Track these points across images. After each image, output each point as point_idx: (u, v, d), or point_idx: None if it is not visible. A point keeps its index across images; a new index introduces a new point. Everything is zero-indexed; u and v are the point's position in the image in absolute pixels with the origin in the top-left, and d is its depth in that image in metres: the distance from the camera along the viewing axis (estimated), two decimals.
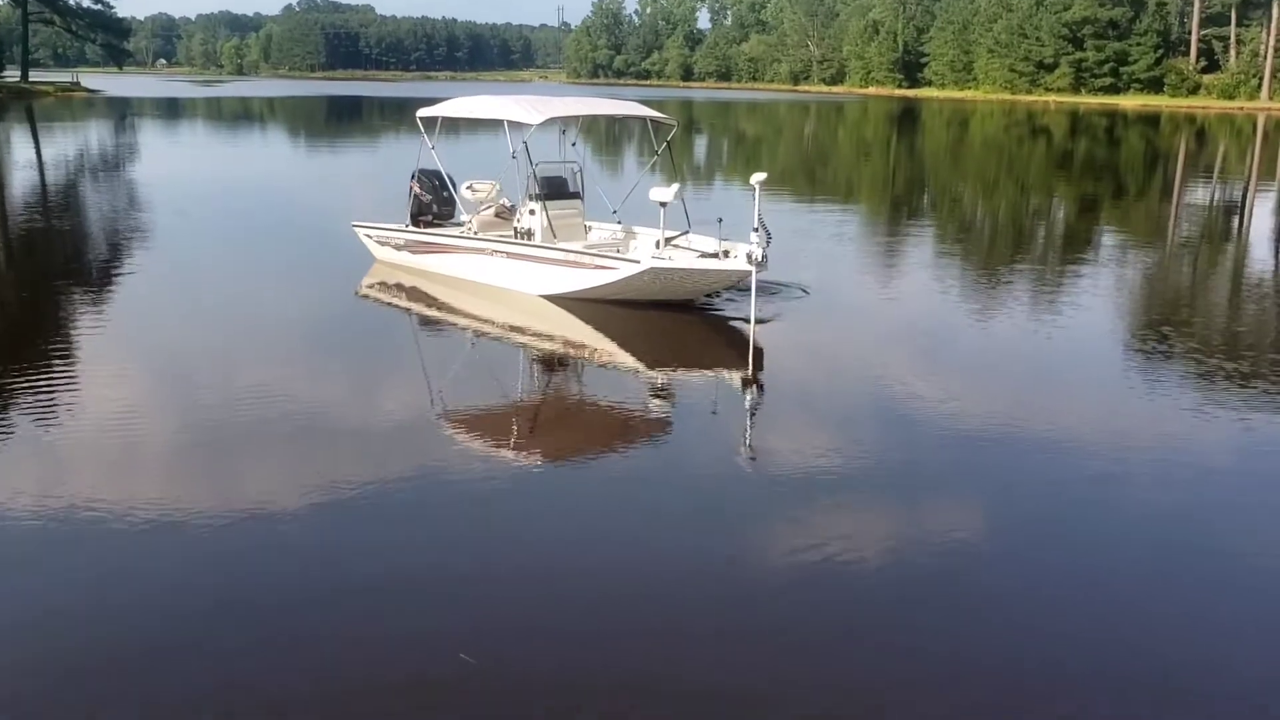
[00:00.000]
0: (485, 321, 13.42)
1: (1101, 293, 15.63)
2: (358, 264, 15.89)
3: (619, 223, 15.27)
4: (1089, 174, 37.08)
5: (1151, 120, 69.66)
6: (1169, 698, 5.39)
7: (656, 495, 7.88)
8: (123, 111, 66.47)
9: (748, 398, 10.41)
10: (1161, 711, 5.28)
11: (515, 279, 13.97)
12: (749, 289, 11.91)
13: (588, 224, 15.19)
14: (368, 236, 16.31)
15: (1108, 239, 22.37)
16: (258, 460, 8.34)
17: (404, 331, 13.53)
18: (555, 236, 13.93)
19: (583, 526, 7.26)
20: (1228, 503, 7.97)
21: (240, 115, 71.07)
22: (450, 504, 7.57)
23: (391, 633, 5.73)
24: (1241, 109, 79.63)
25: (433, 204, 15.75)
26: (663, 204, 13.41)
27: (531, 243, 14.04)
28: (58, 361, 10.90)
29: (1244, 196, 31.10)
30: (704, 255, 13.14)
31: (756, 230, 11.89)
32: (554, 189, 14.62)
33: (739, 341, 12.04)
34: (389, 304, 14.42)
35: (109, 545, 6.66)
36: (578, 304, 13.32)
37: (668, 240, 13.64)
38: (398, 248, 15.69)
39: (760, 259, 11.87)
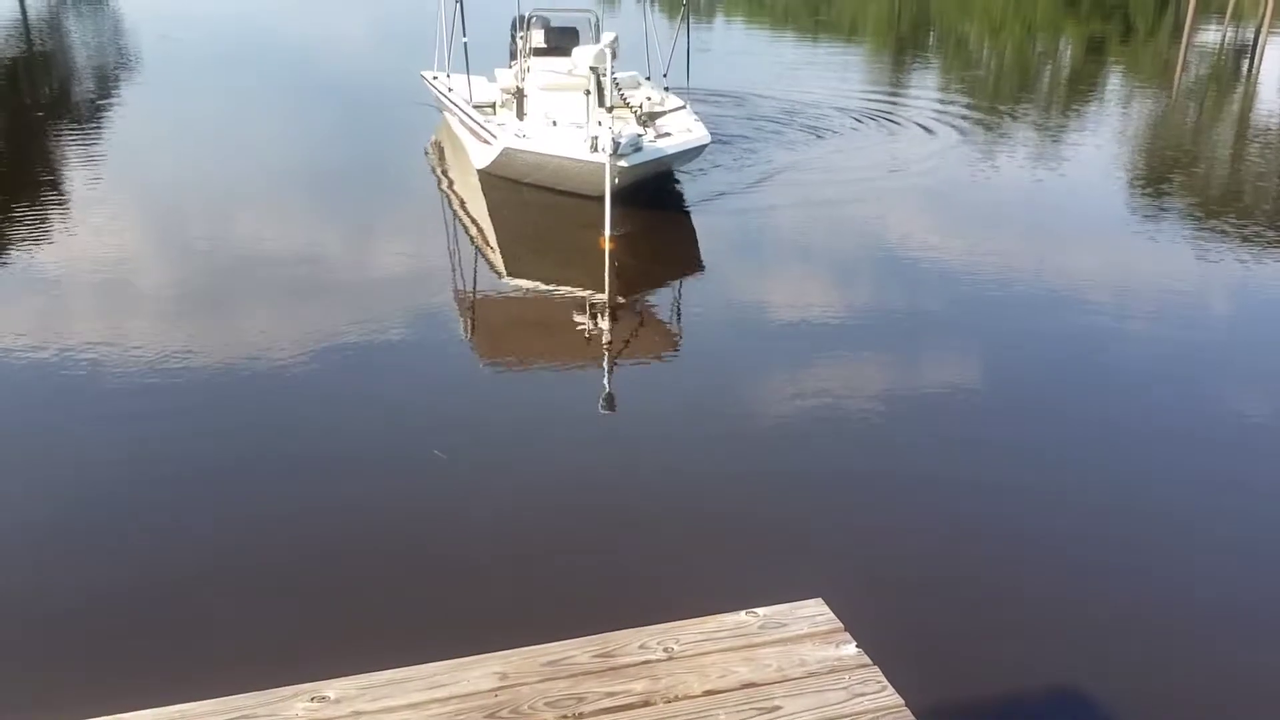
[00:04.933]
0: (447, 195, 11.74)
1: (1103, 140, 15.51)
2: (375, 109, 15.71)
3: (666, 89, 12.72)
4: (1097, 12, 36.18)
5: None
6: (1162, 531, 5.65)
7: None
8: None
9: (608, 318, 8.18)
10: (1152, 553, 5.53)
11: (471, 149, 11.97)
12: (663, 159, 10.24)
13: (623, 92, 11.82)
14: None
15: (1113, 82, 22.02)
16: (249, 302, 8.45)
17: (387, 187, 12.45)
18: (544, 107, 11.24)
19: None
20: (1228, 343, 8.18)
21: None
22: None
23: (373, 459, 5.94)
24: None
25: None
26: (594, 70, 10.71)
27: (463, 106, 11.89)
28: (57, 193, 10.89)
29: (1255, 40, 30.42)
30: (662, 136, 10.76)
31: (610, 110, 9.83)
32: (556, 43, 12.50)
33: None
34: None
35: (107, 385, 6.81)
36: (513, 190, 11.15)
37: (651, 117, 11.42)
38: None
39: (618, 148, 9.25)
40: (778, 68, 20.48)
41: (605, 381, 6.95)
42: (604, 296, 8.42)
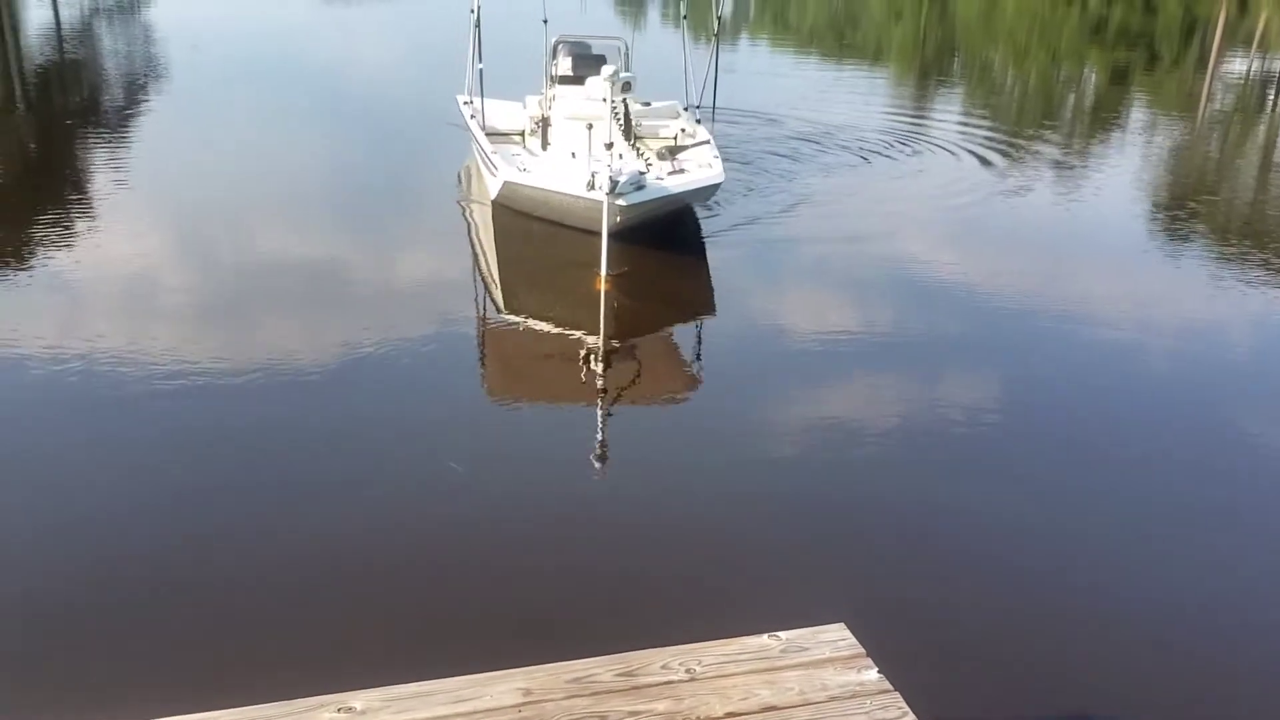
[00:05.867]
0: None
1: (1126, 166, 15.49)
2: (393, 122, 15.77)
3: (699, 121, 12.08)
4: (1123, 42, 36.14)
5: None
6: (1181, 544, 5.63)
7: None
8: None
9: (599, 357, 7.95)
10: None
11: (485, 178, 11.31)
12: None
13: (639, 124, 11.72)
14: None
15: (1137, 111, 21.99)
16: (270, 308, 8.54)
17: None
18: (569, 137, 10.52)
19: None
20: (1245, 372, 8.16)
21: None
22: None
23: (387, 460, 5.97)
24: None
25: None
26: (607, 100, 10.08)
27: (478, 134, 11.42)
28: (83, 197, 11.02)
29: None
30: (674, 173, 10.25)
31: (609, 146, 9.26)
32: (583, 71, 11.88)
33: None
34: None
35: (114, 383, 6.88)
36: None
37: (671, 151, 11.00)
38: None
39: (615, 186, 8.86)
40: (803, 89, 20.53)
41: (599, 426, 6.74)
42: (597, 339, 8.12)
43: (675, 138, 11.70)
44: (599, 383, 7.43)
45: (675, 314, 9.01)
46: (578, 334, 8.22)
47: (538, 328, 8.39)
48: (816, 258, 10.78)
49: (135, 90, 18.74)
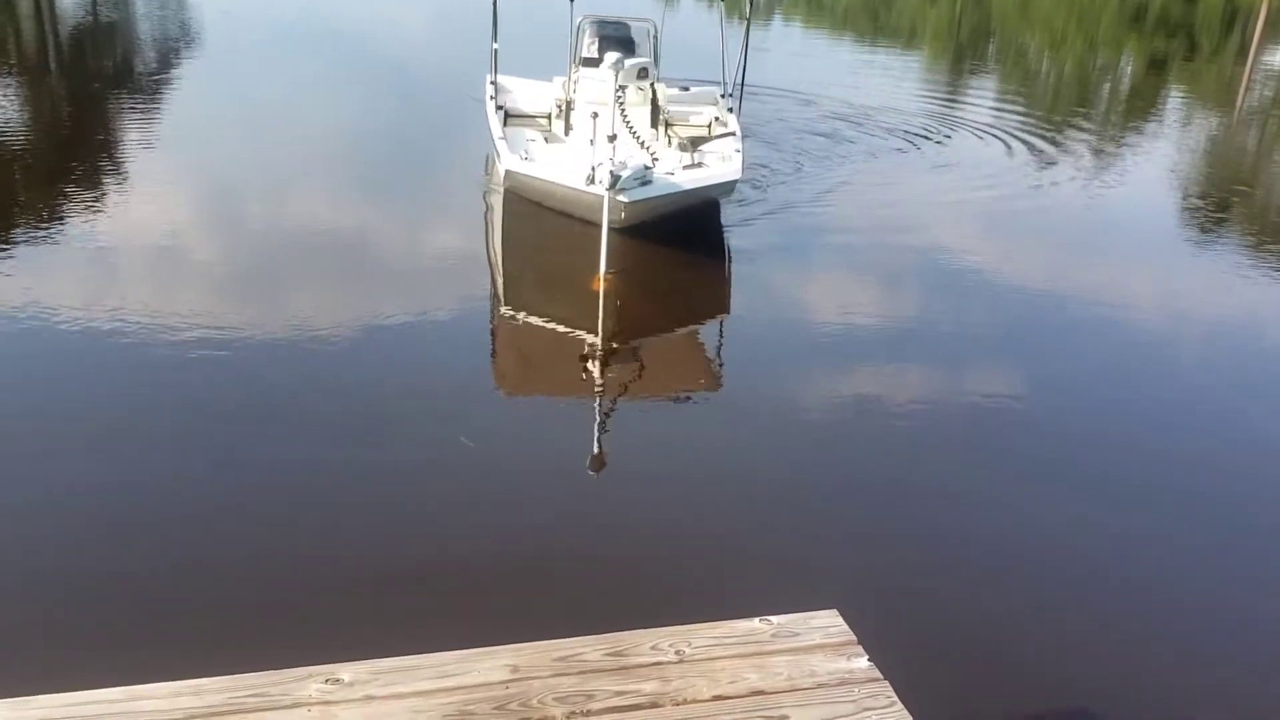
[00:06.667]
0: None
1: (1161, 157, 15.32)
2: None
3: (731, 110, 11.38)
4: (1162, 30, 35.66)
5: None
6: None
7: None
8: None
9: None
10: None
11: (495, 162, 10.78)
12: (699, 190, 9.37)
13: (667, 108, 11.35)
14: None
15: (1174, 101, 21.72)
16: (293, 278, 8.56)
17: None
18: (593, 119, 9.53)
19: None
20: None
21: None
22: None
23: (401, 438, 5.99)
24: None
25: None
26: (620, 89, 9.34)
27: (489, 117, 10.95)
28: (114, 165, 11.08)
29: None
30: (691, 167, 9.77)
31: (612, 139, 8.48)
32: (609, 51, 10.81)
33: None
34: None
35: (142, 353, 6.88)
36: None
37: (694, 143, 10.50)
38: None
39: (616, 181, 8.28)
40: (835, 71, 20.40)
41: (597, 417, 6.55)
42: (596, 339, 7.73)
43: (709, 126, 11.31)
44: (596, 378, 7.22)
45: (683, 310, 8.65)
46: (579, 333, 7.87)
47: (537, 323, 8.10)
48: (842, 248, 10.48)
49: (166, 54, 18.86)
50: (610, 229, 8.37)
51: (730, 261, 9.81)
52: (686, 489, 5.79)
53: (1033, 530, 5.62)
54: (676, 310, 8.62)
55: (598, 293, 8.22)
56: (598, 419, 6.56)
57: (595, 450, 6.11)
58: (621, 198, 8.45)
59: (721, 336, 8.34)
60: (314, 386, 6.61)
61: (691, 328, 8.39)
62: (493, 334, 7.91)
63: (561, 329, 7.97)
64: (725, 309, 8.87)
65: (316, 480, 5.61)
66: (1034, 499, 5.89)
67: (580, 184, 8.78)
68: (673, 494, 5.73)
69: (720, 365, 7.75)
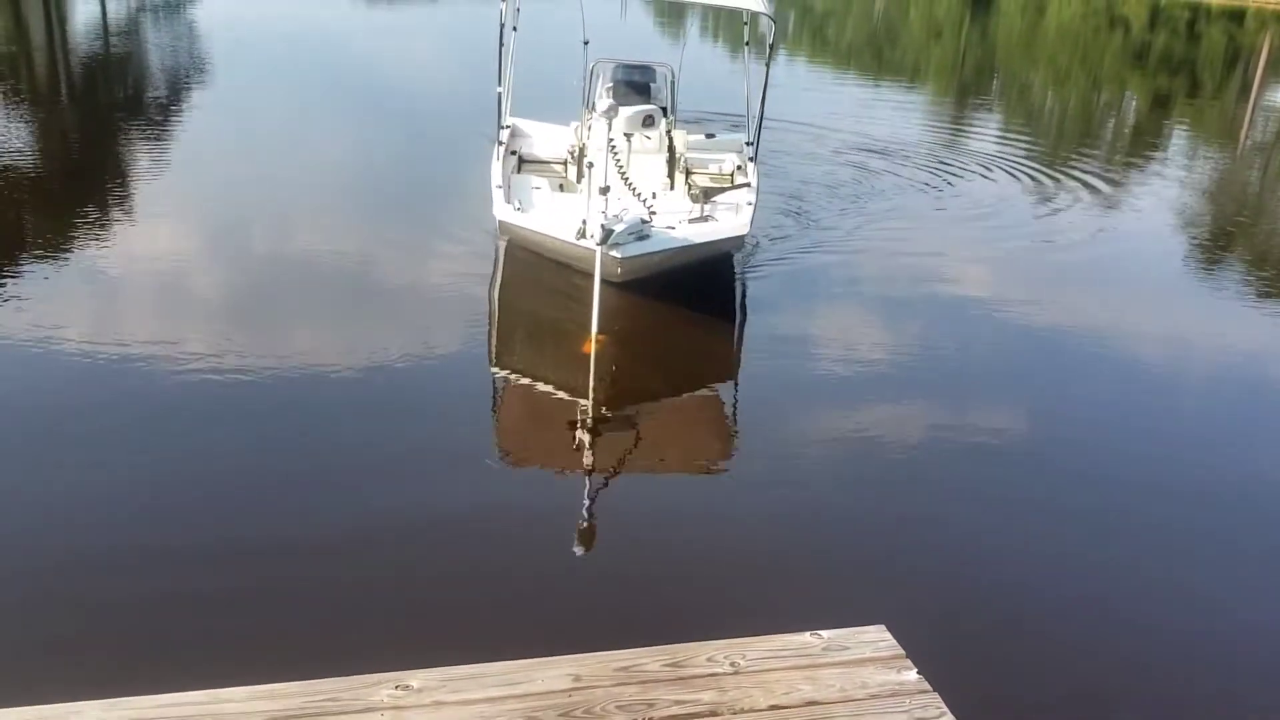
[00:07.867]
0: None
1: (1164, 194, 15.48)
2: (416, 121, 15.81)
3: (752, 159, 10.83)
4: (1164, 69, 36.00)
5: (1236, 16, 66.82)
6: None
7: None
8: None
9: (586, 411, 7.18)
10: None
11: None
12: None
13: (686, 155, 10.85)
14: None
15: (1177, 139, 21.94)
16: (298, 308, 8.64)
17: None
18: (588, 169, 9.41)
19: None
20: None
21: None
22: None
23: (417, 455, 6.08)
24: None
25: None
26: (625, 136, 9.36)
27: (493, 161, 10.18)
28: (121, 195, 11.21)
29: None
30: (697, 220, 9.17)
31: (604, 191, 8.00)
32: (623, 97, 10.82)
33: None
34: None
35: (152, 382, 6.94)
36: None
37: (707, 194, 9.98)
38: None
39: (608, 235, 7.71)
40: (842, 106, 20.58)
41: (584, 503, 5.99)
42: (587, 403, 7.22)
43: (732, 175, 10.94)
44: (586, 457, 6.63)
45: (682, 376, 8.12)
46: (567, 395, 7.39)
47: (526, 384, 7.70)
48: (866, 300, 10.07)
49: (177, 84, 19.00)
50: (608, 285, 7.91)
51: (743, 316, 9.41)
52: (736, 515, 5.91)
53: (1080, 562, 5.75)
54: (676, 376, 8.10)
55: (589, 355, 7.61)
56: (587, 489, 6.17)
57: (583, 523, 5.76)
58: (615, 253, 7.90)
59: (735, 400, 8.00)
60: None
61: (694, 393, 7.95)
62: (478, 394, 7.66)
63: (554, 392, 7.52)
64: (732, 373, 8.48)
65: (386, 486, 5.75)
66: (1081, 532, 6.03)
67: (571, 237, 8.19)
68: (723, 518, 5.86)
69: (735, 433, 7.39)
